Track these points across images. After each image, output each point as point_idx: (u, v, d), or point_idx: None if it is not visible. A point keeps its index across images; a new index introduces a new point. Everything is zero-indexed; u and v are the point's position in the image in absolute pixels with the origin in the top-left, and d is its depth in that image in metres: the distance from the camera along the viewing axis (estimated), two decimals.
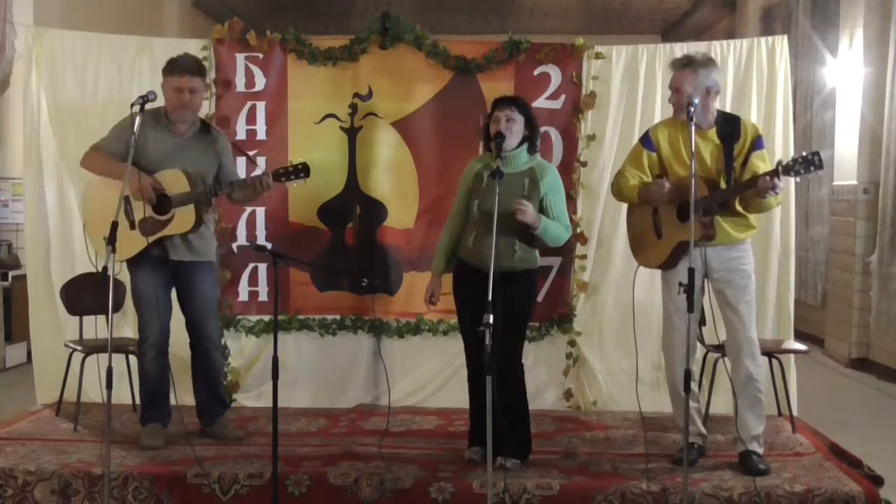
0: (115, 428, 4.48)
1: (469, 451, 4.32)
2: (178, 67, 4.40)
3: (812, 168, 3.81)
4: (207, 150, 4.51)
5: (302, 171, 4.39)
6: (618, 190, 4.40)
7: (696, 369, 4.50)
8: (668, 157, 4.24)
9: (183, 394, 4.75)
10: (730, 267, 4.20)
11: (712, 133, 4.17)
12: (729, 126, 4.18)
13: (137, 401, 5.05)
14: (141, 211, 4.35)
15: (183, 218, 4.37)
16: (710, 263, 4.17)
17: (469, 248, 4.23)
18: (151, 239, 4.37)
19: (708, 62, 4.20)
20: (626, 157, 5.23)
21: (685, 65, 4.15)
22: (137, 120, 4.01)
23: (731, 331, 4.24)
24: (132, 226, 4.35)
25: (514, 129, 4.17)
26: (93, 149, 4.48)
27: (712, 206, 4.07)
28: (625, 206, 5.23)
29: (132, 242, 4.35)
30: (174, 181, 4.36)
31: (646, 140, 4.33)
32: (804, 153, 3.85)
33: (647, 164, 4.29)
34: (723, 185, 4.12)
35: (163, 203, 4.35)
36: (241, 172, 5.16)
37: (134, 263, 4.46)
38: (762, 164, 4.11)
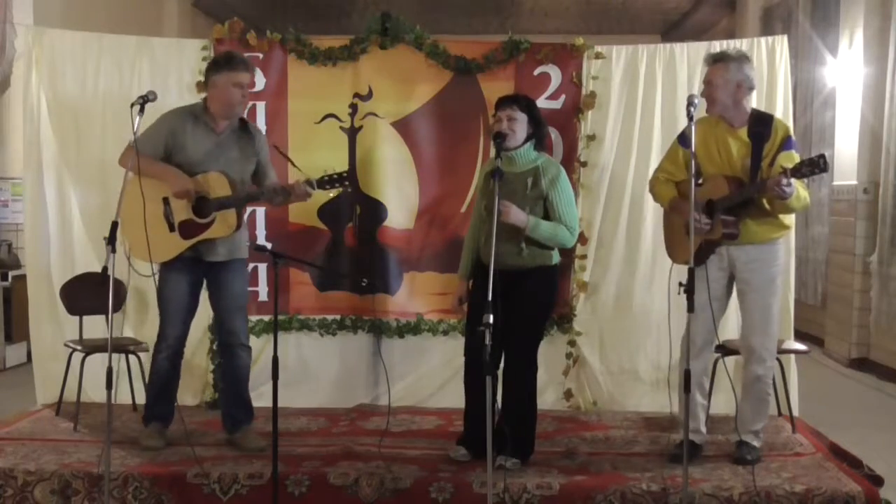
0: (115, 428, 4.47)
1: (454, 450, 4.30)
2: (239, 63, 4.32)
3: (817, 170, 3.82)
4: (246, 148, 4.44)
5: (346, 178, 4.29)
6: (652, 191, 4.45)
7: (710, 367, 4.49)
8: (701, 154, 4.22)
9: (183, 393, 4.76)
10: (753, 268, 4.18)
11: (743, 132, 4.16)
12: (760, 126, 4.15)
13: (138, 401, 5.06)
14: (181, 213, 4.28)
15: (224, 222, 4.29)
16: (735, 262, 4.19)
17: (482, 248, 4.25)
18: (190, 243, 4.30)
19: (740, 57, 4.21)
20: (625, 156, 5.28)
21: (717, 59, 4.18)
22: (138, 120, 3.98)
23: (746, 331, 4.25)
24: (171, 228, 4.28)
25: (516, 128, 4.17)
26: (130, 147, 4.37)
27: (733, 206, 4.07)
28: (625, 205, 5.29)
29: (170, 245, 4.28)
30: (216, 184, 4.27)
31: (682, 138, 4.33)
32: (811, 156, 3.86)
33: (684, 161, 4.29)
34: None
35: (203, 206, 4.28)
36: None
37: (166, 264, 4.37)
38: (788, 164, 4.01)
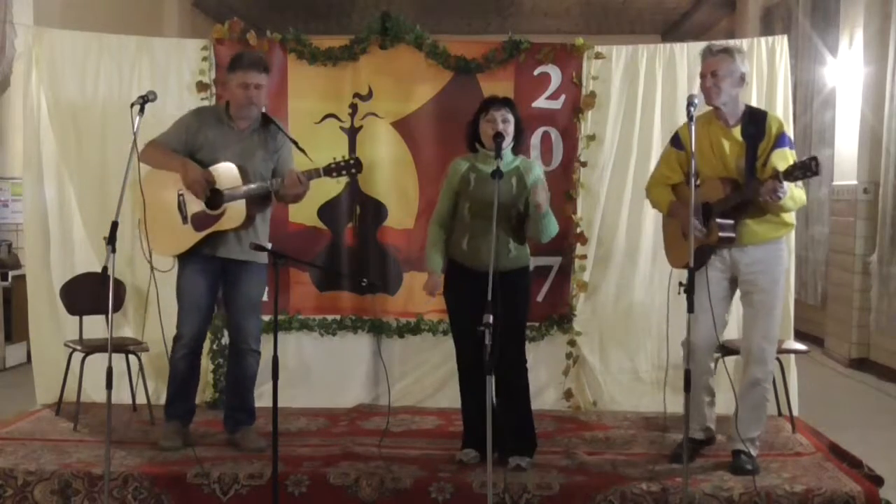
0: (115, 428, 4.47)
1: (461, 452, 4.29)
2: (245, 63, 4.32)
3: (809, 174, 3.80)
4: (266, 145, 4.44)
5: (354, 165, 4.30)
6: (652, 200, 4.43)
7: (713, 366, 4.43)
8: (696, 155, 4.19)
9: None
10: (757, 269, 4.13)
11: (737, 131, 4.11)
12: (754, 125, 4.10)
13: (138, 400, 5.07)
14: (194, 205, 4.30)
15: (233, 213, 4.29)
16: (737, 265, 4.15)
17: (465, 250, 4.21)
18: (202, 235, 4.31)
19: (741, 50, 4.18)
20: (625, 156, 5.28)
21: (721, 50, 4.13)
22: (137, 120, 3.97)
23: (748, 333, 4.21)
24: (185, 220, 4.31)
25: (510, 129, 4.21)
26: (150, 143, 4.40)
27: (728, 209, 4.04)
28: (625, 205, 5.29)
29: (184, 237, 4.31)
30: (227, 175, 4.28)
31: (675, 139, 4.33)
32: (803, 159, 3.85)
33: (678, 163, 4.28)
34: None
35: (215, 198, 4.29)
36: None
37: (183, 259, 4.40)
38: (781, 163, 3.97)
